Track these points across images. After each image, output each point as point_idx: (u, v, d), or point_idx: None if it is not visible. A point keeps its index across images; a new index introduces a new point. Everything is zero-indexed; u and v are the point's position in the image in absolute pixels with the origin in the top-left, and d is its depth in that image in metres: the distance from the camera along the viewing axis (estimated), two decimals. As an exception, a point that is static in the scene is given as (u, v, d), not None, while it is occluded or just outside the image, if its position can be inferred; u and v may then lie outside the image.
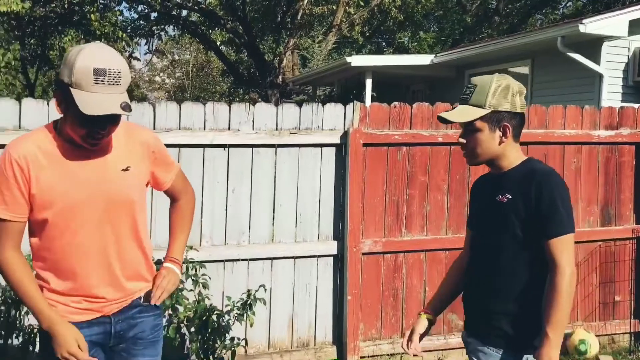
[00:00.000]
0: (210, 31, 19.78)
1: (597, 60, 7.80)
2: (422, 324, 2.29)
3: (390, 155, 4.24)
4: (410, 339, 2.28)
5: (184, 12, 18.38)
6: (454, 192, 4.37)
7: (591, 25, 7.50)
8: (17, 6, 11.80)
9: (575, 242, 4.94)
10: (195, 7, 17.45)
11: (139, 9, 18.07)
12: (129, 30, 16.92)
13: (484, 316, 2.13)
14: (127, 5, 17.30)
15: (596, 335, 4.55)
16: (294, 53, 17.37)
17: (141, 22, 18.43)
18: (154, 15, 17.94)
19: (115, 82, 1.91)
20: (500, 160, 2.14)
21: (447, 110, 2.18)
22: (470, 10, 20.24)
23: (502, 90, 2.11)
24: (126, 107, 1.92)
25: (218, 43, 20.11)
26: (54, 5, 13.76)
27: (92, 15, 12.27)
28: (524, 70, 9.43)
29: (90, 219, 2.02)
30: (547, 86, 8.77)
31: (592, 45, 7.81)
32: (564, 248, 2.00)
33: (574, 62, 7.84)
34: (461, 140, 2.16)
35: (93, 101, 1.88)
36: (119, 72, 1.92)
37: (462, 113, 2.12)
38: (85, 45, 1.97)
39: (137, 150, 2.12)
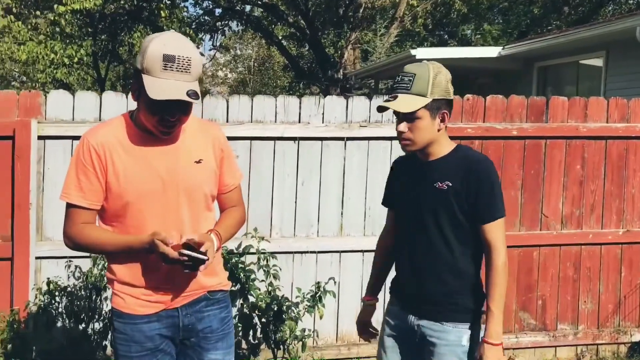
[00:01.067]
0: (273, 26, 19.95)
1: (679, 51, 7.40)
2: (366, 311, 2.49)
3: (461, 149, 4.16)
4: (366, 330, 2.48)
5: (247, 8, 18.60)
6: (528, 187, 4.24)
7: (674, 14, 7.11)
8: (90, 3, 12.26)
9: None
10: (259, 2, 17.64)
11: (204, 4, 18.42)
12: (193, 26, 17.29)
13: (437, 295, 2.23)
14: (193, 1, 17.66)
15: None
16: (355, 47, 17.29)
17: (205, 17, 18.79)
18: (218, 11, 18.26)
19: (185, 69, 1.91)
20: (433, 146, 2.22)
21: (389, 100, 2.20)
22: (538, 1, 19.58)
23: (439, 78, 2.18)
24: (193, 95, 1.90)
25: (280, 37, 20.27)
26: (122, 2, 14.21)
27: (162, 12, 12.59)
28: (597, 62, 9.05)
29: (164, 208, 2.02)
30: (622, 79, 8.37)
31: (675, 36, 7.41)
32: (498, 230, 2.18)
33: (653, 53, 7.47)
34: (401, 128, 2.20)
35: (160, 86, 1.89)
36: (189, 60, 1.91)
37: (407, 102, 2.16)
38: (160, 33, 1.99)
39: (209, 145, 2.12)
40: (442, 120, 2.20)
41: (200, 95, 1.93)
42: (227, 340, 2.18)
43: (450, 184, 2.18)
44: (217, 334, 2.14)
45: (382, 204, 2.53)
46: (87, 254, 3.51)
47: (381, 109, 2.24)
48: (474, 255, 2.24)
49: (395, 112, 2.21)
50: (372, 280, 2.54)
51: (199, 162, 2.07)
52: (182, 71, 1.90)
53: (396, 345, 2.37)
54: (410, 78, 2.17)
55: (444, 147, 2.24)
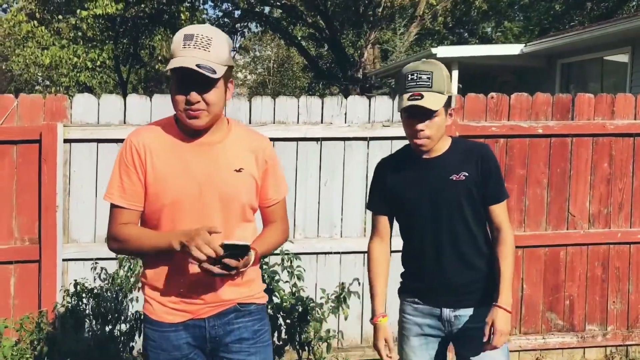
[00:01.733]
0: (292, 27, 19.98)
1: None
2: (388, 329, 2.37)
3: (486, 147, 4.12)
4: (389, 348, 2.35)
5: (267, 9, 18.66)
6: (555, 186, 4.18)
7: (701, 8, 6.96)
8: (112, 8, 12.40)
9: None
10: (278, 3, 17.67)
11: (224, 7, 18.52)
12: (213, 28, 17.37)
13: (470, 283, 2.30)
14: (212, 4, 17.76)
15: None
16: (374, 46, 17.24)
17: (225, 19, 18.88)
18: (237, 12, 18.34)
19: (203, 46, 1.89)
20: (438, 142, 2.28)
21: (415, 99, 2.18)
22: (560, -3, 19.32)
23: (449, 76, 2.27)
24: (205, 68, 1.86)
25: (299, 38, 20.29)
26: (143, 5, 14.35)
27: (182, 15, 12.69)
28: (623, 58, 8.91)
29: (198, 215, 1.97)
30: (648, 75, 8.25)
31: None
32: (505, 211, 2.34)
33: (680, 48, 7.33)
34: (422, 127, 2.21)
35: (176, 60, 1.89)
36: (209, 39, 1.90)
37: (433, 100, 2.19)
38: None
39: (252, 155, 2.05)
40: (451, 116, 2.31)
41: (217, 71, 1.87)
42: (261, 354, 2.08)
43: (467, 174, 2.26)
44: (249, 347, 2.05)
45: (370, 208, 2.47)
46: (113, 256, 3.54)
47: (403, 109, 2.20)
48: (486, 237, 2.37)
49: (408, 110, 2.19)
50: (380, 294, 2.42)
51: (239, 170, 2.01)
52: (200, 48, 1.88)
53: (425, 344, 2.37)
54: (429, 76, 2.20)
55: (445, 142, 2.32)
